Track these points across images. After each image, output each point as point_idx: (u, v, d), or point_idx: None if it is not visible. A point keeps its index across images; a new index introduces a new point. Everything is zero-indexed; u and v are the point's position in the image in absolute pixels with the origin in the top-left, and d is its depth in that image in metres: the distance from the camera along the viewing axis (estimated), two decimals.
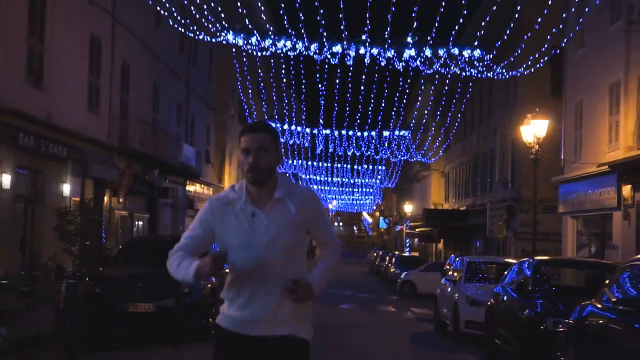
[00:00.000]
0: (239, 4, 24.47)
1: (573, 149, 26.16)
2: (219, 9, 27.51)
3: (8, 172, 17.71)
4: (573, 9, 24.92)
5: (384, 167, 71.51)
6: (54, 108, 20.07)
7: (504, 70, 25.09)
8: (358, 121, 44.77)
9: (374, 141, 49.51)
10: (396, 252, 53.98)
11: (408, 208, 67.97)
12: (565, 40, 25.47)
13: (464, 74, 27.47)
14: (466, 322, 14.76)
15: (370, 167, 66.93)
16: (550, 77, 31.73)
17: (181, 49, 34.65)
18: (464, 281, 16.21)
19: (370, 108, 36.81)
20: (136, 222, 29.47)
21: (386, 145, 51.60)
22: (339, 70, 27.70)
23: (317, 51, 23.11)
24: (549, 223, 30.67)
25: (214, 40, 27.93)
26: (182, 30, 27.54)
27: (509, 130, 34.78)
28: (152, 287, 12.44)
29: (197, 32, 26.94)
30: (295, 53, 24.19)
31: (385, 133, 48.82)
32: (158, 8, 26.72)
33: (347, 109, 39.46)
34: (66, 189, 21.54)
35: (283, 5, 21.74)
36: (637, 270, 7.20)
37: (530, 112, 26.30)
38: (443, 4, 21.67)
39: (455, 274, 17.23)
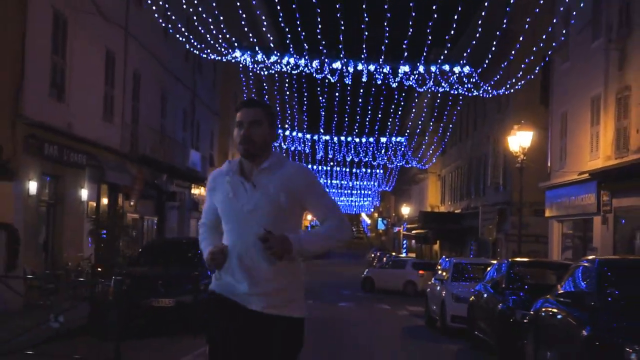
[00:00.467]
0: (244, 24, 26.01)
1: (558, 157, 27.75)
2: (223, 29, 29.01)
3: (35, 180, 19.28)
4: (555, 19, 26.48)
5: (381, 171, 73.13)
6: (73, 119, 21.63)
7: (489, 88, 26.67)
8: (356, 130, 46.43)
9: (371, 147, 51.26)
10: (393, 254, 55.60)
11: (405, 210, 69.57)
12: (549, 54, 27.08)
13: (454, 91, 29.06)
14: (452, 317, 16.40)
15: (369, 170, 68.57)
16: (540, 86, 33.32)
17: (186, 58, 36.20)
18: (451, 280, 17.85)
19: (367, 118, 38.47)
20: (145, 224, 31.05)
21: (383, 152, 53.33)
22: (338, 85, 29.32)
23: (318, 68, 24.74)
24: (539, 226, 32.25)
25: (224, 60, 29.48)
26: (195, 51, 29.12)
27: (501, 137, 36.33)
28: (172, 285, 14.05)
29: (207, 53, 28.53)
30: (298, 71, 25.84)
31: (383, 139, 50.51)
32: (171, 31, 28.32)
33: (346, 118, 41.30)
34: (84, 194, 23.11)
35: (287, 29, 23.31)
36: (581, 270, 8.81)
37: (522, 119, 27.96)
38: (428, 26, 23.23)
39: (444, 273, 18.88)
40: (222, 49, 26.93)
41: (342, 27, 21.79)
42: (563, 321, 8.21)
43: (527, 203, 34.23)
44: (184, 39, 28.16)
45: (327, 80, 26.46)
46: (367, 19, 23.25)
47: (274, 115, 4.35)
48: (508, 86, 27.00)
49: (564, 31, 25.79)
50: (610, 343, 6.98)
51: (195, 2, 29.04)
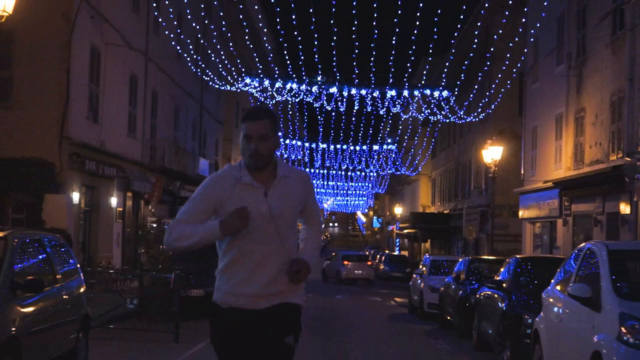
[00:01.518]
0: (253, 53, 29.46)
1: (530, 165, 31.27)
2: (233, 52, 32.46)
3: (77, 191, 22.77)
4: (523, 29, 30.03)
5: (375, 174, 76.76)
6: (105, 137, 25.10)
7: (462, 114, 30.25)
8: (351, 142, 50.63)
9: (364, 155, 55.18)
10: (386, 251, 59.12)
11: (398, 210, 73.06)
12: (514, 71, 30.61)
13: (433, 118, 32.61)
14: (428, 304, 19.96)
15: (363, 173, 72.19)
16: (518, 99, 36.87)
17: (196, 74, 39.64)
18: (429, 274, 21.40)
19: (360, 132, 42.24)
20: (161, 227, 34.49)
21: (376, 159, 57.18)
22: (333, 112, 32.82)
23: (317, 94, 28.34)
24: (518, 226, 35.70)
25: (236, 90, 32.98)
26: (212, 83, 32.64)
27: (483, 145, 39.80)
28: (202, 278, 17.52)
29: (220, 84, 32.09)
30: (298, 99, 29.45)
31: (375, 147, 54.30)
32: (187, 58, 31.89)
33: (341, 133, 45.57)
34: (113, 201, 26.59)
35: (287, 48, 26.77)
36: (509, 264, 12.33)
37: (501, 129, 31.46)
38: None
39: (424, 268, 22.44)
40: (231, 79, 30.38)
41: (336, 57, 25.26)
42: (491, 301, 11.75)
43: (507, 206, 37.87)
44: (197, 69, 31.66)
45: (324, 105, 29.98)
46: (357, 45, 26.84)
47: (278, 123, 4.49)
48: (482, 107, 30.48)
49: (526, 48, 29.31)
50: (516, 314, 10.48)
51: (207, 20, 32.57)
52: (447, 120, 33.51)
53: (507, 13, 28.66)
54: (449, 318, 17.15)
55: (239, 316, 4.28)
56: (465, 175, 46.75)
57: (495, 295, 11.70)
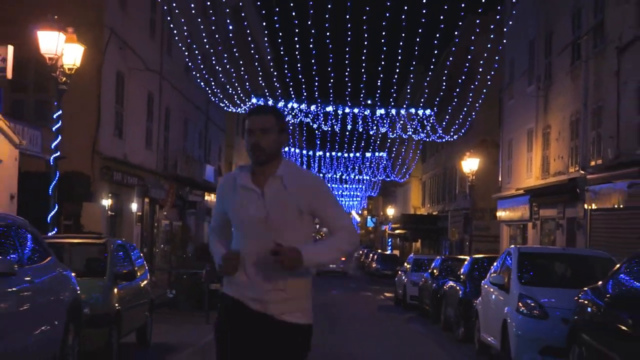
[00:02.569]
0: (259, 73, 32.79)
1: (506, 174, 34.73)
2: (242, 73, 35.86)
3: (106, 198, 26.14)
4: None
5: (368, 178, 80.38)
6: (127, 150, 28.45)
7: (441, 132, 33.75)
8: (345, 150, 54.53)
9: (357, 161, 59.02)
10: (379, 251, 62.55)
11: (390, 211, 76.49)
12: (485, 90, 34.02)
13: (417, 136, 36.06)
14: (410, 297, 23.42)
15: (357, 178, 75.88)
16: (499, 111, 40.28)
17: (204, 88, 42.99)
18: (411, 271, 24.86)
19: (354, 141, 45.91)
20: (172, 229, 37.85)
21: (368, 165, 60.98)
22: (329, 129, 36.33)
23: (316, 114, 31.84)
24: (497, 228, 39.10)
25: (240, 111, 36.48)
26: (224, 107, 36.10)
27: (466, 153, 43.16)
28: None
29: (226, 104, 35.65)
30: (297, 120, 32.94)
31: (367, 154, 58.07)
32: (194, 72, 35.29)
33: (336, 146, 49.33)
34: (134, 207, 29.93)
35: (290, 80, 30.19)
36: (468, 262, 15.75)
37: (483, 138, 34.87)
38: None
39: (407, 266, 25.90)
40: (238, 99, 33.79)
41: (332, 78, 28.59)
42: (453, 291, 15.18)
43: (488, 209, 41.29)
44: (206, 87, 35.13)
45: (321, 121, 33.51)
46: (348, 68, 30.31)
47: (283, 120, 4.37)
48: (461, 120, 33.93)
49: (503, 66, 32.70)
50: (469, 300, 13.89)
51: (219, 38, 35.94)
52: (429, 139, 36.96)
53: (479, 19, 31.83)
54: (426, 307, 20.57)
55: (242, 308, 4.22)
56: (451, 180, 50.14)
57: (456, 287, 15.13)
